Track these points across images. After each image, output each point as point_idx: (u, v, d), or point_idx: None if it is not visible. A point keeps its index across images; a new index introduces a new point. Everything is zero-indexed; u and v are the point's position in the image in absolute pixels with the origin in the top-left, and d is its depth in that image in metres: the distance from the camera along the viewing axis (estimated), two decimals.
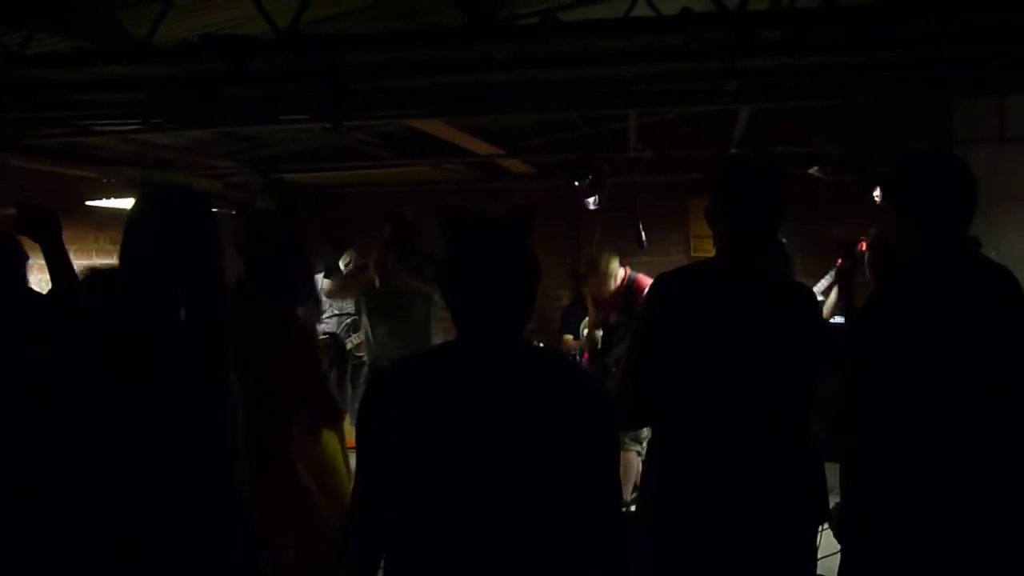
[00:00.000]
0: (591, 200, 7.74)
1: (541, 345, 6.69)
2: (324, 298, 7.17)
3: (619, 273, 6.43)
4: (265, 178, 7.60)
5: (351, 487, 2.76)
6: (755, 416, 2.58)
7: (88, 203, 6.56)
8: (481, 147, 7.38)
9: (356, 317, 7.15)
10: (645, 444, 6.71)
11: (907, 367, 2.46)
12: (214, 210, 2.78)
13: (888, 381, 2.49)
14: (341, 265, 7.21)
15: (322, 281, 7.20)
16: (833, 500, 2.69)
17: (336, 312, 7.23)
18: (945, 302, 2.47)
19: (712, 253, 2.75)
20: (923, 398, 2.44)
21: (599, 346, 6.54)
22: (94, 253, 7.16)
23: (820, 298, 6.06)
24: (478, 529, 2.04)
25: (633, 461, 6.19)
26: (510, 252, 2.11)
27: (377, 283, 6.15)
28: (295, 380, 3.22)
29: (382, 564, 2.13)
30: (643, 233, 7.21)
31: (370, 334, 6.27)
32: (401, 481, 2.06)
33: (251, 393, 2.74)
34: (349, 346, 7.01)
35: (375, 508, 2.13)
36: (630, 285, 6.39)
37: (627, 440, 6.17)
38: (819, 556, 2.79)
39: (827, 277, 5.87)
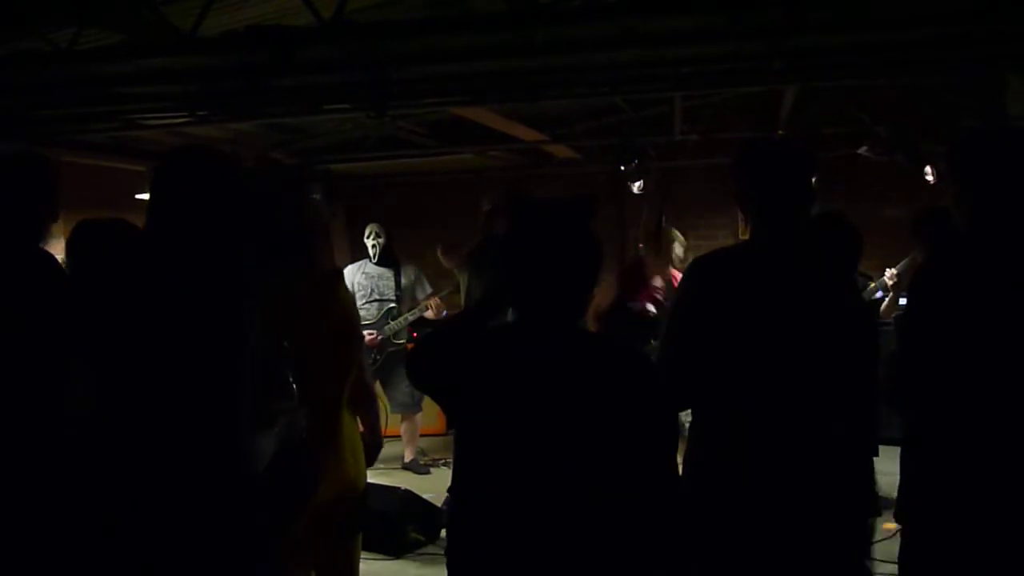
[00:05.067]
0: (636, 184, 7.70)
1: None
2: (364, 283, 7.23)
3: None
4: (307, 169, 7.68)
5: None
6: (793, 397, 2.55)
7: (137, 196, 6.64)
8: (525, 133, 7.37)
9: (395, 305, 7.21)
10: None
11: (968, 340, 2.41)
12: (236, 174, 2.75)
13: (948, 355, 2.44)
14: (365, 239, 7.29)
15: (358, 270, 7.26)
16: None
17: (377, 297, 7.22)
18: (1007, 273, 2.43)
19: None
20: (985, 372, 2.39)
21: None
22: None
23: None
24: (528, 503, 2.08)
25: None
26: (572, 236, 2.14)
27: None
28: (337, 346, 3.24)
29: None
30: (664, 218, 7.05)
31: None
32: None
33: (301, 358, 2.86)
34: (388, 333, 7.11)
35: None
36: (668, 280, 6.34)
37: None
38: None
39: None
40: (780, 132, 7.07)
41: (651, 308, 6.06)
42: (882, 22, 3.85)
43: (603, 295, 6.34)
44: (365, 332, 6.59)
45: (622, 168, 7.61)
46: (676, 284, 6.19)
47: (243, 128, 7.04)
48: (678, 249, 6.28)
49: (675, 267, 6.34)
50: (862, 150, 6.83)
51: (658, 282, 6.22)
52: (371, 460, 3.52)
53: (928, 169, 6.87)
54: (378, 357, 7.05)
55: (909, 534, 2.57)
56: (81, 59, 4.24)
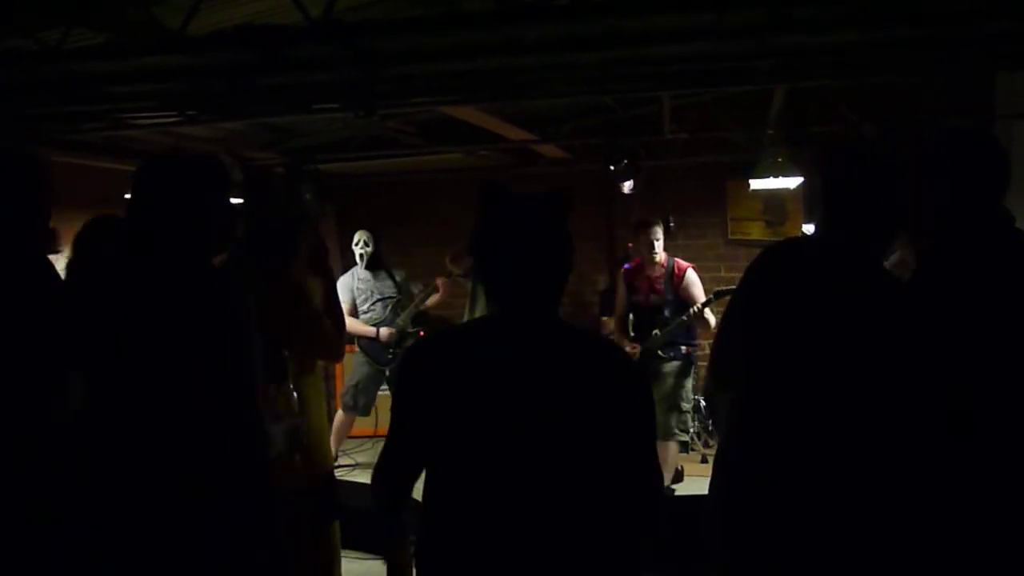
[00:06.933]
0: (626, 184, 7.72)
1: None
2: (363, 287, 7.33)
3: (662, 253, 6.42)
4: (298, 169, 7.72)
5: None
6: (840, 405, 2.49)
7: (128, 196, 6.62)
8: (514, 133, 7.37)
9: (399, 298, 7.38)
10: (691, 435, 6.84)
11: (953, 353, 2.40)
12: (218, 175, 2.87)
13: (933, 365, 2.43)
14: (354, 246, 7.41)
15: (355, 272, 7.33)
16: None
17: (379, 297, 7.33)
18: (984, 278, 2.42)
19: (750, 236, 2.73)
20: (971, 380, 2.38)
21: (631, 330, 6.50)
22: None
23: None
24: (505, 490, 2.08)
25: (673, 449, 6.27)
26: (543, 228, 2.14)
27: None
28: (282, 327, 3.36)
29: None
30: (671, 219, 7.12)
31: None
32: (431, 445, 2.17)
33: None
34: (402, 326, 7.27)
35: (399, 466, 2.30)
36: (671, 268, 6.39)
37: (676, 430, 6.22)
38: None
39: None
40: (770, 132, 7.09)
41: (653, 297, 6.39)
42: (869, 20, 3.85)
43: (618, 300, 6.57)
44: (382, 329, 7.13)
45: (611, 168, 7.63)
46: (678, 272, 6.38)
47: (232, 127, 7.03)
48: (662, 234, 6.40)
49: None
50: None
51: (656, 271, 6.37)
52: None
53: None
54: (396, 351, 7.17)
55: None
56: (70, 58, 4.23)
